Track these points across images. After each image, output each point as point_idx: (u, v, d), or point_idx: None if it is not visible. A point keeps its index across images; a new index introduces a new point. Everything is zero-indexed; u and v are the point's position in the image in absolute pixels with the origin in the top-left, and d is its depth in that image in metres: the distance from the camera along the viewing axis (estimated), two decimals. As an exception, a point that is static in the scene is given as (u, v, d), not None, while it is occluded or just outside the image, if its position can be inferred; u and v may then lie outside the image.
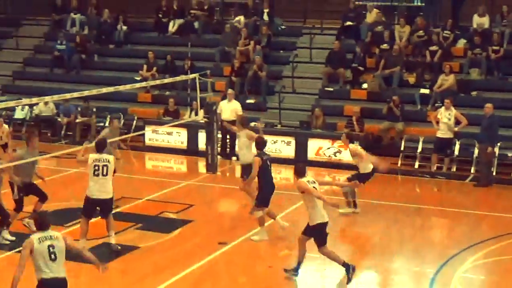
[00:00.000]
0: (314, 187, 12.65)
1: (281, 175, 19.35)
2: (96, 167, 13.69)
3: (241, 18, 27.82)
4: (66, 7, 30.80)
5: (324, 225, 12.78)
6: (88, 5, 30.70)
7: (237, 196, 18.54)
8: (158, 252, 14.30)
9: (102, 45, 29.60)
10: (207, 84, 21.05)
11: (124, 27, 29.48)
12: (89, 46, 29.24)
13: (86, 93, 17.11)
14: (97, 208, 14.11)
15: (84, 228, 14.04)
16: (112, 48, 29.50)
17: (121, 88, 18.44)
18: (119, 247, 14.03)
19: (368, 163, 16.49)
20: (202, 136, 21.90)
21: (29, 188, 14.89)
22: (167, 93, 26.16)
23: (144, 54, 27.48)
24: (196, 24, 28.86)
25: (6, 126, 20.05)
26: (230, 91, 23.03)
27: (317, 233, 12.80)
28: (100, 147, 14.07)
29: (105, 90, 17.55)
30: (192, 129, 23.20)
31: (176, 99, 25.09)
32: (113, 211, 16.45)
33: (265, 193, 14.98)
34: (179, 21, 29.08)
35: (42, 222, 9.75)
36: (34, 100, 16.74)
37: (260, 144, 15.16)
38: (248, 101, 24.73)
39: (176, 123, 22.59)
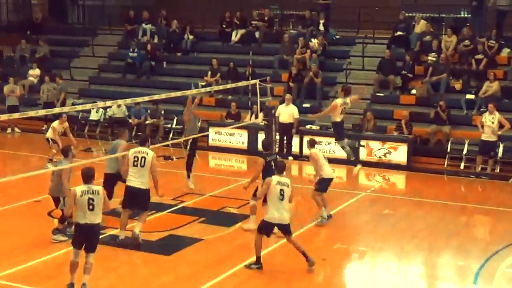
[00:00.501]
0: None
1: (335, 174, 19.22)
2: (136, 158, 13.79)
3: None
4: (138, 18, 31.12)
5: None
6: (158, 16, 31.00)
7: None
8: (220, 244, 14.33)
9: (170, 53, 29.85)
10: (266, 89, 21.02)
11: (191, 37, 29.73)
12: (158, 54, 29.52)
13: (155, 97, 17.15)
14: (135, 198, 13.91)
15: (124, 221, 14.03)
16: (180, 56, 29.72)
17: (188, 92, 18.56)
18: (140, 238, 13.89)
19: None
20: (261, 137, 21.88)
21: (115, 179, 15.09)
22: (230, 97, 26.23)
23: (208, 61, 27.63)
24: (257, 34, 28.94)
25: (67, 122, 20.23)
26: (287, 95, 22.99)
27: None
28: (142, 142, 14.25)
29: (173, 94, 17.68)
30: (252, 131, 23.23)
31: (237, 103, 25.18)
32: (179, 206, 16.71)
33: None
34: (241, 31, 29.20)
35: (87, 176, 11.31)
36: (108, 103, 16.90)
37: (266, 146, 15.34)
38: (304, 105, 24.64)
39: (238, 125, 22.68)
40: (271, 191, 12.43)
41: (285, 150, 22.51)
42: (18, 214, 16.04)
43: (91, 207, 11.13)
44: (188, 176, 18.41)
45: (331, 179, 15.87)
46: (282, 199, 12.40)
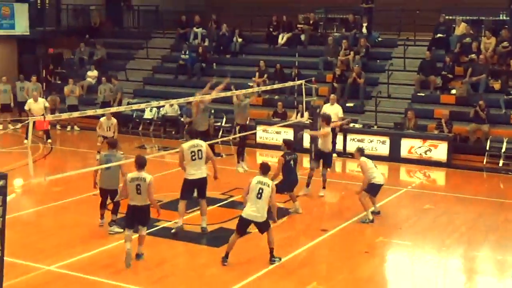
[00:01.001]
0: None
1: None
2: (193, 153, 13.90)
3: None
4: (190, 22, 31.24)
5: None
6: (209, 20, 31.09)
7: (335, 188, 18.47)
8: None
9: (220, 55, 29.91)
10: (311, 90, 20.95)
11: (240, 39, 29.77)
12: (208, 56, 29.59)
13: (206, 97, 17.24)
14: (194, 189, 14.24)
15: (182, 210, 14.21)
16: (229, 57, 29.76)
17: (237, 92, 18.60)
18: (207, 229, 14.17)
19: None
20: (307, 136, 21.80)
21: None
22: (276, 97, 26.17)
23: (256, 63, 27.63)
24: (302, 37, 28.82)
25: (114, 119, 20.29)
26: (332, 96, 22.81)
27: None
28: (193, 135, 14.50)
29: (223, 94, 17.75)
30: (298, 129, 23.10)
31: (284, 102, 25.09)
32: (228, 200, 16.71)
33: (287, 183, 15.41)
34: (288, 35, 29.12)
35: (140, 164, 12.38)
36: (161, 102, 17.03)
37: (288, 145, 15.54)
38: (347, 104, 24.49)
39: (284, 123, 22.61)
40: (251, 190, 12.41)
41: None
42: (77, 206, 16.20)
43: (138, 191, 12.29)
44: (238, 162, 19.57)
45: (381, 185, 15.55)
46: (259, 198, 12.34)
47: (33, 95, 24.56)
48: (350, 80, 25.15)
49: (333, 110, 22.04)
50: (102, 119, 20.13)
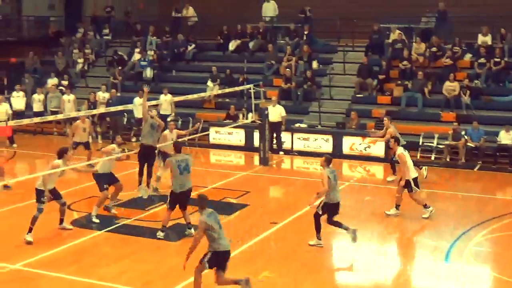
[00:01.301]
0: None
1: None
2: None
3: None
4: (144, 31, 30.83)
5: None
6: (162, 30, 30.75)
7: (284, 183, 18.53)
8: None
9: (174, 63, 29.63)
10: (260, 93, 21.01)
11: (191, 47, 29.48)
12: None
13: (161, 100, 17.12)
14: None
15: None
16: (182, 64, 29.50)
17: (190, 97, 18.56)
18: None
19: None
20: (256, 135, 21.89)
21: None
22: (227, 100, 26.10)
23: (209, 69, 27.40)
24: (250, 44, 28.77)
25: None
26: (273, 98, 22.82)
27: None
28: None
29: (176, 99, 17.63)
30: (249, 130, 23.17)
31: (235, 105, 24.99)
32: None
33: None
34: (237, 42, 29.05)
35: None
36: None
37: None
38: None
39: (235, 124, 22.66)
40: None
41: (274, 145, 22.41)
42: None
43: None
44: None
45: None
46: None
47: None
48: (306, 86, 25.13)
49: (276, 110, 22.17)
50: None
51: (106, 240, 13.74)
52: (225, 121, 24.33)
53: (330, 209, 13.22)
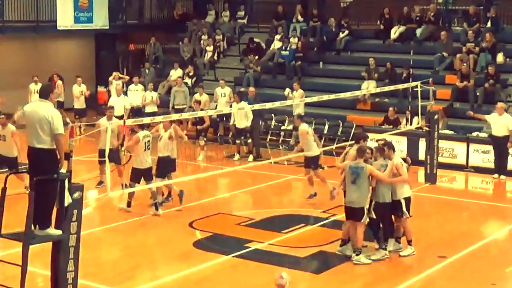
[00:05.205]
0: None
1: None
2: None
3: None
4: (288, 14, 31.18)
5: None
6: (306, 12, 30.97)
7: (455, 207, 18.16)
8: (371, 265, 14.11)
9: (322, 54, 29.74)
10: (428, 92, 20.71)
11: (343, 34, 29.49)
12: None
13: (307, 99, 17.30)
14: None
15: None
16: (332, 54, 29.61)
17: (341, 95, 18.62)
18: None
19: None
20: (422, 145, 21.53)
21: None
22: (386, 100, 25.91)
23: (365, 61, 27.32)
24: (418, 32, 28.36)
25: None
26: (500, 104, 21.54)
27: None
28: None
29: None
30: (413, 138, 22.82)
31: (397, 107, 24.71)
32: (330, 219, 16.61)
33: None
34: (401, 29, 28.73)
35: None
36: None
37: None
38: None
39: (396, 131, 22.38)
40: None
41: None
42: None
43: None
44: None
45: None
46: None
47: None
48: (488, 84, 24.47)
49: (502, 121, 21.06)
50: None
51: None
52: (382, 127, 24.13)
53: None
